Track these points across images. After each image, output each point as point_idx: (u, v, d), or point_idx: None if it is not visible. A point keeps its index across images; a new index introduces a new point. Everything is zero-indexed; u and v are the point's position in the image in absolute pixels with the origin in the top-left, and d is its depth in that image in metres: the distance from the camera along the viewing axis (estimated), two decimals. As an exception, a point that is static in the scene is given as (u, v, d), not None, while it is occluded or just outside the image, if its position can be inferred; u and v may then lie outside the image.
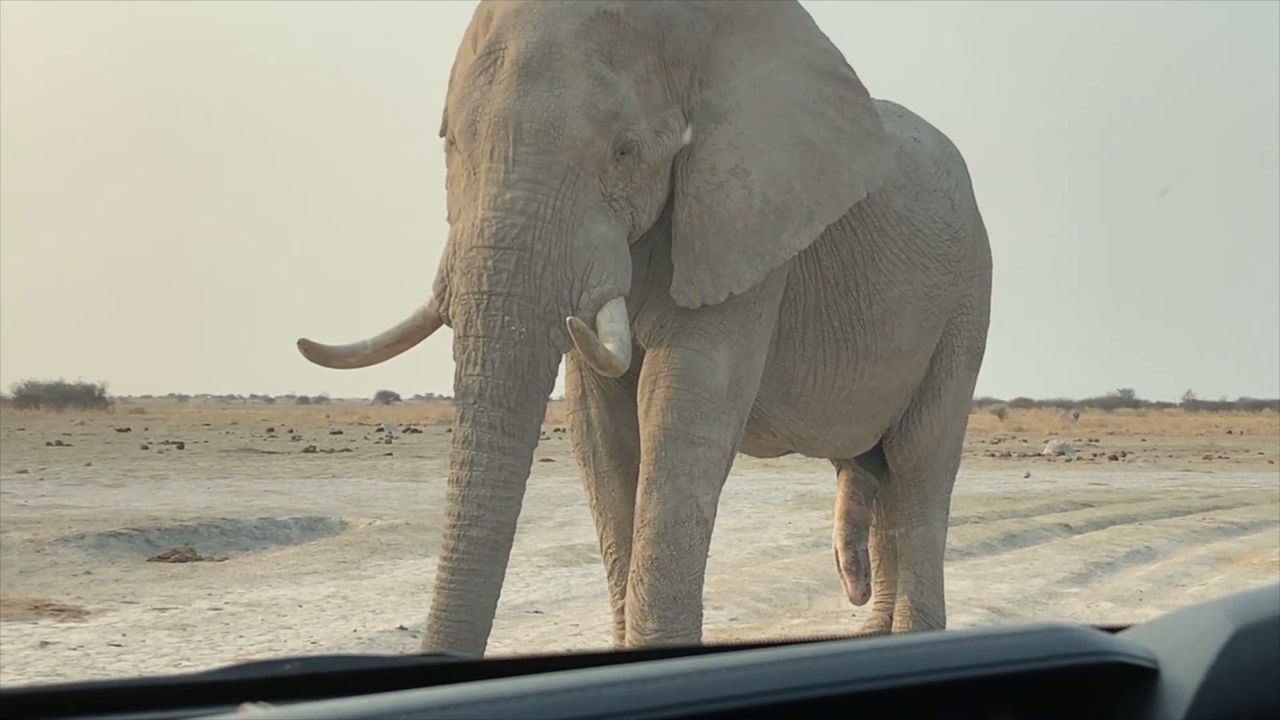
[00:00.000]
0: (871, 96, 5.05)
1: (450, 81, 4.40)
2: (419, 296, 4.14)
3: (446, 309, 3.98)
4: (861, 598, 5.53)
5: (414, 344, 4.19)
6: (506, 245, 3.86)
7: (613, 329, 3.91)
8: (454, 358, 3.94)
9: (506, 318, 3.84)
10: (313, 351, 4.12)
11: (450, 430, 4.04)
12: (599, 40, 3.97)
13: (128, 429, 30.75)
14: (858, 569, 5.47)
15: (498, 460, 3.84)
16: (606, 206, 4.00)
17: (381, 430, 32.22)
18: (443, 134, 4.31)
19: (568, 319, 3.80)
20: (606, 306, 3.93)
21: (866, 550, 5.52)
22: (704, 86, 4.22)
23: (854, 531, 5.49)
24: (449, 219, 4.43)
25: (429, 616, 3.86)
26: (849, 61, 4.53)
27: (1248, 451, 29.47)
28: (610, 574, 4.74)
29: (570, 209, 3.92)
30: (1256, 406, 67.23)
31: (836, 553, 5.53)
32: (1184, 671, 0.97)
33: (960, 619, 6.78)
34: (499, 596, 3.92)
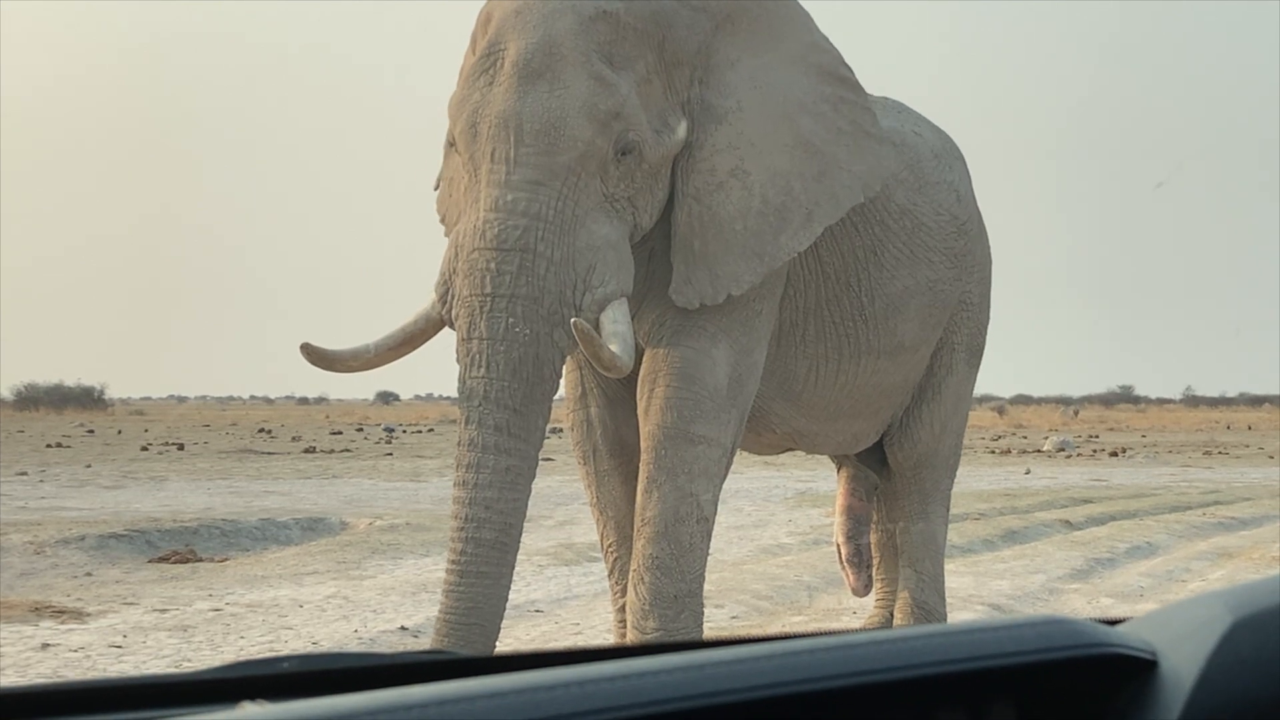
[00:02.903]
0: (869, 95, 5.06)
1: None
2: (421, 299, 4.14)
3: (449, 311, 3.97)
4: (864, 589, 5.53)
5: (417, 347, 4.18)
6: (509, 247, 3.85)
7: (616, 330, 3.90)
8: (458, 360, 3.93)
9: (510, 320, 3.84)
10: (315, 355, 4.11)
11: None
12: (598, 40, 3.97)
13: (116, 430, 30.75)
14: (860, 561, 5.47)
15: (504, 462, 3.83)
16: (608, 207, 4.00)
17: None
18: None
19: (572, 320, 3.79)
20: (610, 307, 3.93)
21: (869, 543, 5.53)
22: (704, 86, 4.21)
23: (856, 525, 5.50)
24: (441, 220, 4.45)
25: (438, 620, 3.85)
26: (847, 60, 4.53)
27: (1248, 447, 29.47)
28: (611, 573, 4.74)
29: (572, 210, 3.91)
30: (1256, 402, 67.28)
31: (838, 547, 5.54)
32: (1183, 663, 0.97)
33: (961, 616, 6.78)
34: (508, 598, 3.92)
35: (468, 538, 3.80)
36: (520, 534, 3.92)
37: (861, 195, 4.42)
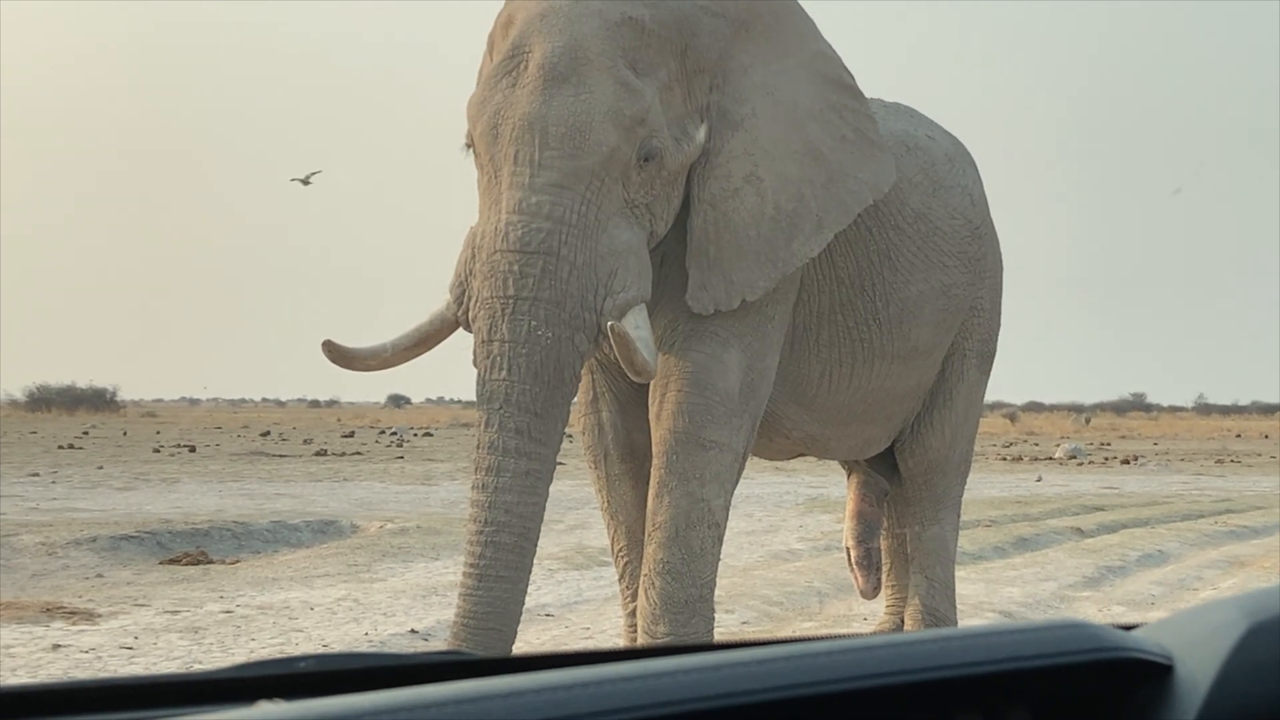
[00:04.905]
0: (880, 99, 5.06)
1: None
2: (434, 300, 4.14)
3: (466, 313, 3.98)
4: (873, 592, 5.53)
5: (432, 347, 4.19)
6: (532, 250, 3.85)
7: (639, 335, 3.90)
8: (475, 363, 3.92)
9: (533, 323, 3.83)
10: (336, 353, 4.14)
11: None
12: (624, 45, 3.96)
13: (122, 431, 30.79)
14: (869, 563, 5.46)
15: (524, 466, 3.83)
16: (628, 213, 3.99)
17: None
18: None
19: (609, 324, 3.79)
20: (631, 313, 3.93)
21: (879, 547, 5.52)
22: (720, 92, 4.22)
23: (866, 529, 5.49)
24: None
25: (454, 623, 3.84)
26: (853, 64, 4.55)
27: (1259, 455, 29.38)
28: (621, 577, 4.74)
29: (595, 215, 3.91)
30: (1268, 410, 67.02)
31: (848, 550, 5.53)
32: (1198, 667, 0.97)
33: (972, 623, 6.77)
34: (524, 602, 3.92)
35: (487, 541, 3.80)
36: (538, 538, 3.92)
37: (869, 199, 4.43)
